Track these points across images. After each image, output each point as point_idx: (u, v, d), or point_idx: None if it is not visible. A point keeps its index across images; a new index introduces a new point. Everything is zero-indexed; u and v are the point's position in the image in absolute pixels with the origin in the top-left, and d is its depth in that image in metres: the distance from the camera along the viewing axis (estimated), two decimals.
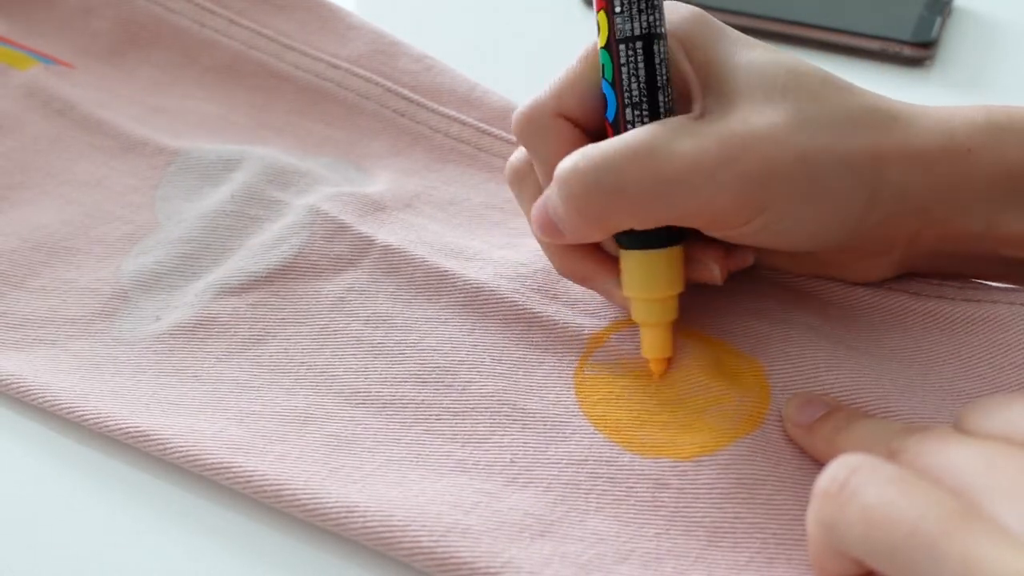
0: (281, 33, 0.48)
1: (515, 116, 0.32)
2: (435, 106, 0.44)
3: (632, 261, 0.31)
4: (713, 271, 0.32)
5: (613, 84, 0.30)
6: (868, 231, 0.31)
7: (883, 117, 0.29)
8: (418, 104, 0.45)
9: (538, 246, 0.37)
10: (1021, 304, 0.33)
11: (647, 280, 0.31)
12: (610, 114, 0.30)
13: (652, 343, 0.32)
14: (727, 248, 0.32)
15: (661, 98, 0.30)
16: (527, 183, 0.33)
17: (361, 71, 0.46)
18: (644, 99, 0.30)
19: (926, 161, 0.29)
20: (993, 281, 0.34)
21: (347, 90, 0.46)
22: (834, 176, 0.29)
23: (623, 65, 0.30)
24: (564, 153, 0.30)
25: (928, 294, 0.34)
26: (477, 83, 0.45)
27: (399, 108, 0.45)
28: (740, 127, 0.28)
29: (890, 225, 0.31)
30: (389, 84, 0.45)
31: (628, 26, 0.29)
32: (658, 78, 0.30)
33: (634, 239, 0.31)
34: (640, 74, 0.30)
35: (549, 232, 0.31)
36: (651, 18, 0.29)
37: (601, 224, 0.30)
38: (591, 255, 0.33)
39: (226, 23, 0.49)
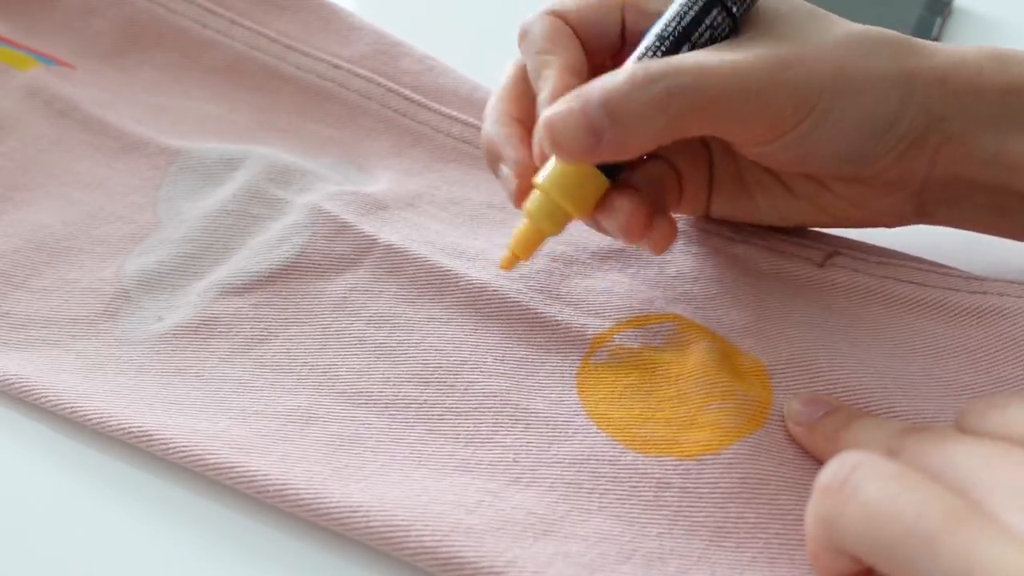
0: (283, 34, 0.48)
1: (533, 16, 0.34)
2: (437, 106, 0.44)
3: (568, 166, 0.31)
4: (617, 221, 0.32)
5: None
6: (893, 149, 0.32)
7: (907, 41, 0.32)
8: (420, 104, 0.45)
9: None
10: None
11: (569, 185, 0.31)
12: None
13: (523, 240, 0.32)
14: (650, 217, 0.32)
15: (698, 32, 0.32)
16: (514, 97, 0.35)
17: (363, 72, 0.46)
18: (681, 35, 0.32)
19: (944, 75, 0.32)
20: (998, 234, 0.35)
21: (349, 90, 0.46)
22: (870, 85, 0.31)
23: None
24: (569, 56, 0.33)
25: (934, 285, 0.34)
26: (479, 84, 0.45)
27: (401, 108, 0.45)
28: (786, 44, 0.31)
29: (913, 141, 0.32)
30: (391, 84, 0.45)
31: None
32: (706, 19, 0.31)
33: None
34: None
35: (579, 141, 0.30)
36: None
37: (678, 126, 0.30)
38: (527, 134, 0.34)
39: (228, 24, 0.49)
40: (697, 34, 0.31)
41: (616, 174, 0.32)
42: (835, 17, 0.33)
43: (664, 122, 0.30)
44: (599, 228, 0.33)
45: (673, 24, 0.31)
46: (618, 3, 0.34)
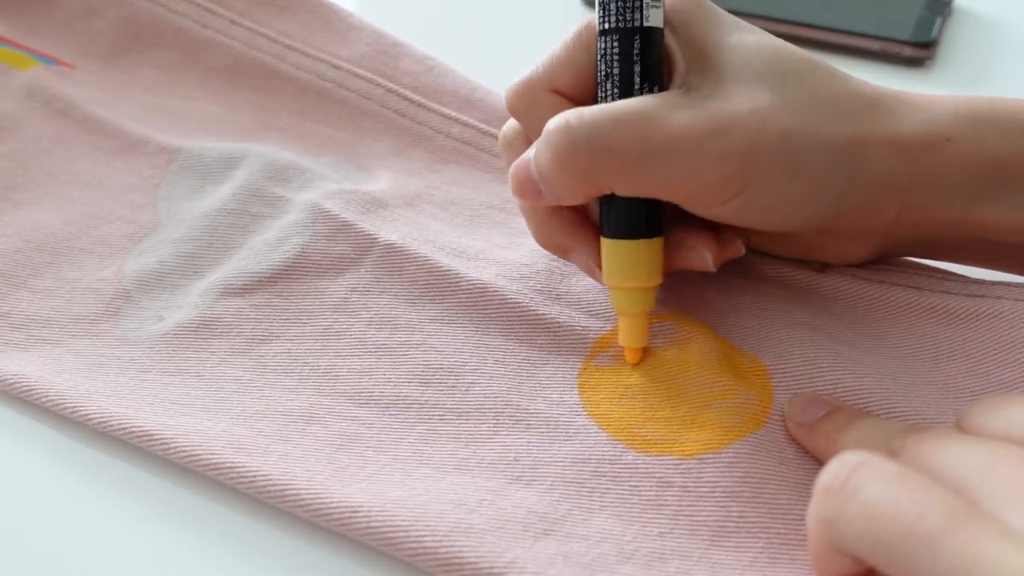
0: (283, 34, 0.48)
1: (508, 89, 0.32)
2: (437, 107, 0.44)
3: (613, 250, 0.32)
4: (705, 257, 0.32)
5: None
6: (847, 214, 0.31)
7: (866, 103, 0.31)
8: (420, 105, 0.45)
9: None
10: None
11: (626, 269, 0.32)
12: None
13: (628, 332, 0.32)
14: (719, 237, 0.33)
15: (638, 83, 0.30)
16: (516, 149, 0.34)
17: (363, 72, 0.46)
18: (620, 87, 0.30)
19: (906, 148, 0.30)
20: (971, 265, 0.34)
21: (349, 91, 0.46)
22: (816, 158, 0.30)
23: (601, 57, 0.31)
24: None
25: (932, 289, 0.34)
26: (479, 84, 0.45)
27: (401, 109, 0.45)
28: (728, 105, 0.29)
29: (869, 209, 0.31)
30: (391, 85, 0.45)
31: (607, 21, 0.30)
32: (635, 67, 0.30)
33: (617, 228, 0.31)
34: (614, 66, 0.30)
35: (527, 191, 0.31)
36: (632, 14, 0.30)
37: (584, 182, 0.30)
38: (571, 225, 0.33)
39: (227, 24, 0.49)
40: (636, 65, 0.30)
41: (658, 225, 0.32)
42: (794, 54, 0.30)
43: (569, 180, 0.30)
44: (690, 269, 0.33)
45: (603, 65, 0.31)
46: (584, 43, 0.31)
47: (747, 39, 0.31)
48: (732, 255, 0.33)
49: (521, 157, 0.31)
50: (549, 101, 0.32)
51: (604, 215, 0.32)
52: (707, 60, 0.30)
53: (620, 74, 0.30)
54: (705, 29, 0.31)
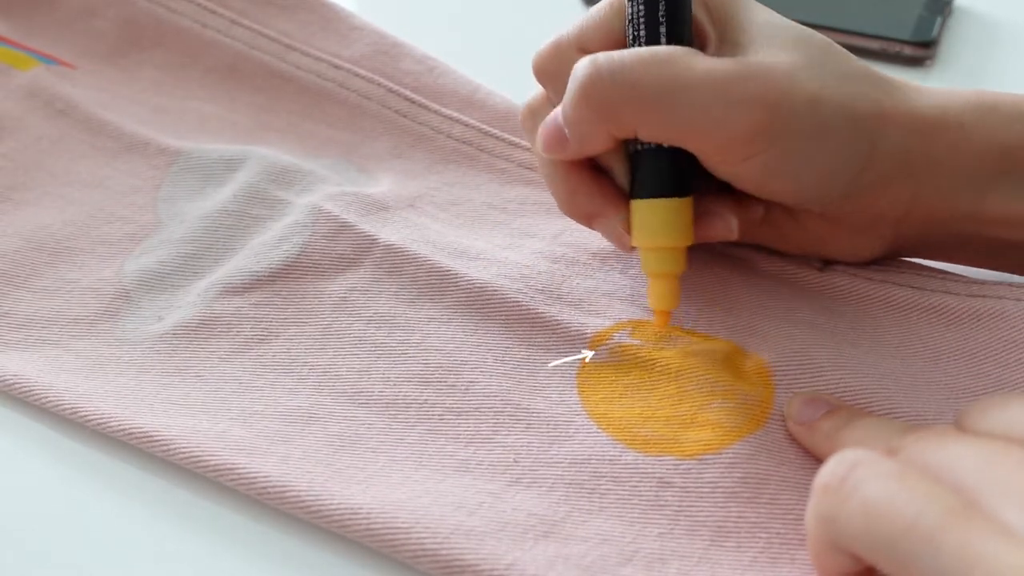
0: (283, 34, 0.48)
1: (538, 52, 0.33)
2: (437, 107, 0.44)
3: (643, 210, 0.32)
4: (730, 222, 0.33)
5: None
6: (862, 193, 0.32)
7: (886, 82, 0.31)
8: (420, 105, 0.45)
9: (541, 247, 0.37)
10: None
11: (658, 229, 0.32)
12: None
13: (660, 294, 0.32)
14: (740, 203, 0.33)
15: (664, 44, 0.31)
16: (540, 116, 0.34)
17: (363, 72, 0.46)
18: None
19: (922, 128, 0.31)
20: (975, 266, 0.35)
21: (349, 91, 0.46)
22: (840, 126, 0.30)
23: (630, 21, 0.31)
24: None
25: (933, 288, 0.34)
26: (480, 84, 0.45)
27: (401, 109, 0.45)
28: (759, 58, 0.30)
29: (883, 190, 0.32)
30: (391, 85, 0.45)
31: None
32: (661, 28, 0.31)
33: (648, 188, 0.31)
34: (641, 28, 0.31)
35: (553, 143, 0.32)
36: None
37: (608, 118, 0.30)
38: (600, 189, 0.33)
39: (228, 24, 0.49)
40: (663, 27, 0.31)
41: (687, 185, 0.32)
42: (817, 35, 0.31)
43: (594, 116, 0.30)
44: (713, 238, 0.33)
45: (631, 28, 0.31)
46: (616, 9, 0.32)
47: (772, 18, 0.32)
48: (751, 217, 0.33)
49: (550, 115, 0.32)
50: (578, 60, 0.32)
51: (634, 177, 0.32)
52: (736, 33, 0.31)
53: (647, 37, 0.31)
54: (733, 5, 0.32)
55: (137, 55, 0.49)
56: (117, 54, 0.50)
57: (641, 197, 0.32)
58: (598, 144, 0.31)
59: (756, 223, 0.34)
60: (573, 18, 0.33)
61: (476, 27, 0.56)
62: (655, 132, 0.30)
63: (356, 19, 0.48)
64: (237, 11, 0.49)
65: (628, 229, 0.32)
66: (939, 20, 0.50)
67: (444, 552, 0.27)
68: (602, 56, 0.30)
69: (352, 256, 0.38)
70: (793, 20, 0.51)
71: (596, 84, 0.29)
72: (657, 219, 0.31)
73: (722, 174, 0.32)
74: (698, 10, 0.32)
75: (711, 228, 0.33)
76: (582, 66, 0.30)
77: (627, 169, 0.32)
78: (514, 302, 0.35)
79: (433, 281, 0.36)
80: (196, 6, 0.49)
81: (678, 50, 0.30)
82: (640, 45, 0.31)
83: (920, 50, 0.49)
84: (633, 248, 0.33)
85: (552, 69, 0.33)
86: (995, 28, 0.53)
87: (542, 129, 0.32)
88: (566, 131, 0.31)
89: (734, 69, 0.29)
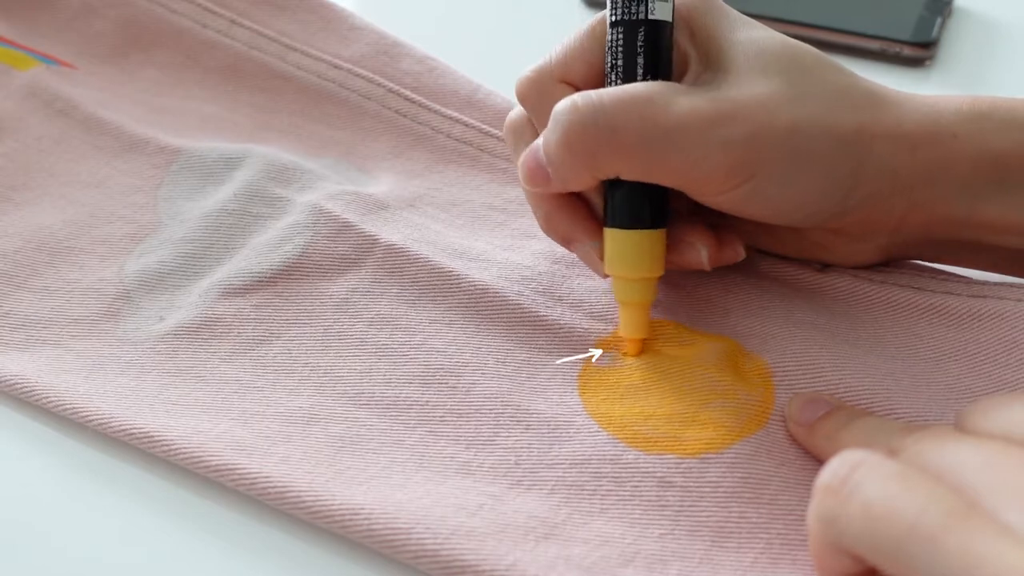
0: (283, 34, 0.48)
1: (520, 78, 0.33)
2: (437, 107, 0.44)
3: (616, 240, 0.32)
4: (700, 253, 0.33)
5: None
6: (853, 210, 0.31)
7: (871, 97, 0.31)
8: (420, 105, 0.45)
9: (541, 248, 0.37)
10: None
11: (629, 259, 0.32)
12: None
13: (629, 323, 0.33)
14: (719, 238, 0.33)
15: (640, 74, 0.31)
16: (524, 137, 0.34)
17: (363, 72, 0.46)
18: (624, 77, 0.31)
19: (912, 142, 0.31)
20: (975, 268, 0.35)
21: (349, 91, 0.46)
22: (822, 148, 0.30)
23: (609, 48, 0.31)
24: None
25: (934, 289, 0.34)
26: (480, 84, 0.45)
27: (401, 109, 0.45)
28: (735, 93, 0.29)
29: (875, 205, 0.31)
30: (391, 85, 0.45)
31: (615, 13, 0.31)
32: (639, 58, 0.31)
33: (620, 218, 0.32)
34: (619, 57, 0.31)
35: (536, 178, 0.32)
36: (637, 7, 0.31)
37: (589, 164, 0.30)
38: (577, 215, 0.33)
39: (228, 24, 0.49)
40: (640, 56, 0.31)
41: (661, 217, 0.32)
42: (801, 49, 0.31)
43: (576, 161, 0.30)
44: (685, 267, 0.33)
45: (610, 56, 0.31)
46: (597, 36, 0.32)
47: (756, 34, 0.31)
48: (730, 259, 0.34)
49: (531, 146, 0.32)
50: (560, 92, 0.32)
51: (608, 205, 0.32)
52: (717, 55, 0.31)
53: (624, 65, 0.31)
54: (715, 26, 0.32)
55: (137, 55, 0.49)
56: (117, 54, 0.50)
57: (615, 226, 0.32)
58: (580, 184, 0.32)
59: (736, 258, 0.34)
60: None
61: (476, 27, 0.56)
62: (635, 174, 0.30)
63: (356, 19, 0.48)
64: (237, 11, 0.49)
65: (602, 256, 0.33)
66: (939, 20, 0.50)
67: (445, 553, 0.27)
68: (581, 99, 0.30)
69: (353, 257, 0.38)
70: (794, 21, 0.51)
71: (577, 131, 0.30)
72: (629, 250, 0.32)
73: (704, 202, 0.32)
74: (680, 34, 0.32)
75: (683, 257, 0.33)
76: (563, 110, 0.30)
77: (603, 198, 0.33)
78: (515, 304, 0.35)
79: (434, 282, 0.36)
80: (196, 6, 0.49)
81: (656, 88, 0.29)
82: (617, 75, 0.31)
83: (920, 51, 0.50)
84: (607, 275, 0.33)
85: (534, 99, 0.33)
86: (995, 28, 0.53)
87: (525, 161, 0.32)
88: (548, 170, 0.31)
89: (712, 110, 0.29)
